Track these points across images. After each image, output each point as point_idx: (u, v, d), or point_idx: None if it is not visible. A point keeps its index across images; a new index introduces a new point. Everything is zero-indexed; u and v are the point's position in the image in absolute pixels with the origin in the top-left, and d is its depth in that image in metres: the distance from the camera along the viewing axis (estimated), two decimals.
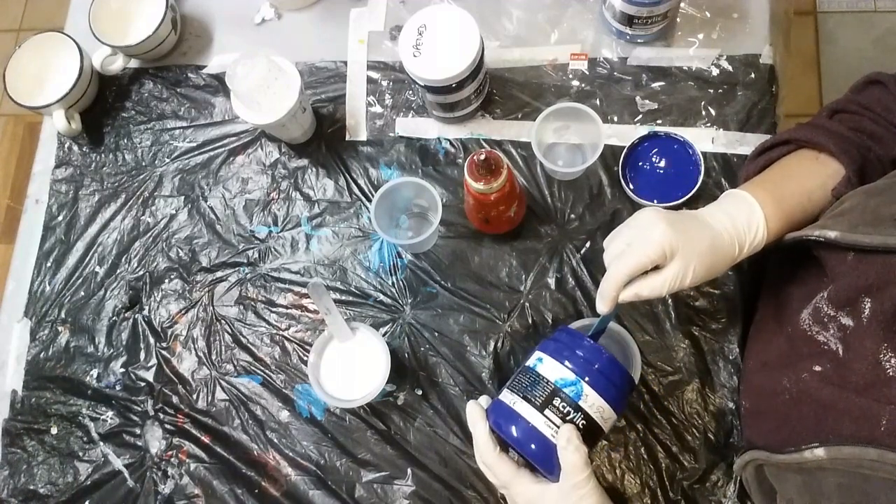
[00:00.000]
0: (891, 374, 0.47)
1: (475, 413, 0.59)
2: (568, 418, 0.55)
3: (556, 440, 0.54)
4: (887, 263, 0.48)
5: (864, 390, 0.49)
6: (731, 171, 0.77)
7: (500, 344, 0.76)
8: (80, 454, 0.81)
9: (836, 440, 0.49)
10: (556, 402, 0.55)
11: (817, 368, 0.54)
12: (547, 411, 0.55)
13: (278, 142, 0.88)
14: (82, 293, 0.87)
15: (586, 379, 0.56)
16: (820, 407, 0.53)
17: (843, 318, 0.52)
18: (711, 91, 0.80)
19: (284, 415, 0.78)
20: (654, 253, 0.54)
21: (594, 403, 0.56)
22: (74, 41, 0.89)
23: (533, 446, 0.55)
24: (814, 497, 0.51)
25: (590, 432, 0.56)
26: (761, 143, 0.69)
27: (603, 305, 0.58)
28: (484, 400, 0.61)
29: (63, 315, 0.87)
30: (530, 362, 0.59)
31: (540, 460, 0.55)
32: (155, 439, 0.80)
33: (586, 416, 0.55)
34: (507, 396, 0.58)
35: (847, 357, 0.51)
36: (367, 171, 0.85)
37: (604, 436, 0.58)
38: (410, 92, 0.86)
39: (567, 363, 0.57)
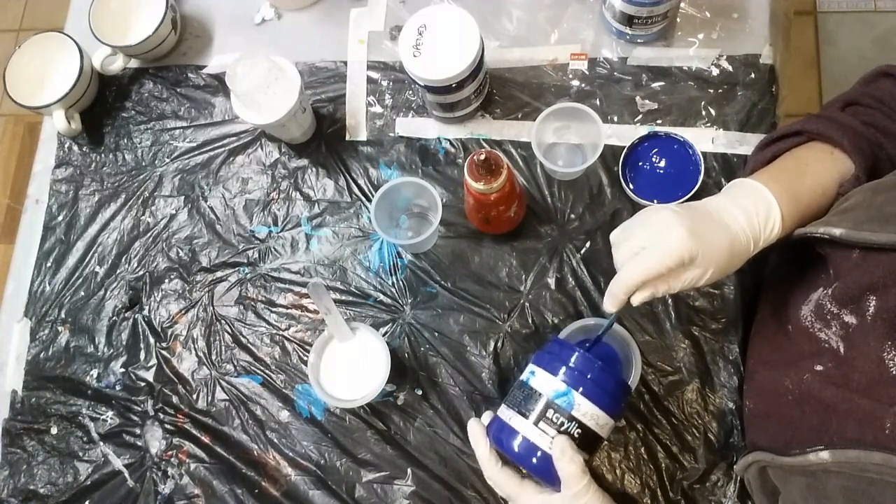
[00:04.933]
0: (894, 373, 0.47)
1: (476, 431, 0.60)
2: (563, 429, 0.55)
3: (552, 451, 0.55)
4: (894, 261, 0.48)
5: (867, 390, 0.49)
6: (731, 172, 0.77)
7: (500, 344, 0.76)
8: (80, 454, 0.81)
9: (840, 443, 0.49)
10: (550, 413, 0.56)
11: (818, 368, 0.54)
12: (542, 424, 0.56)
13: (278, 142, 0.88)
14: (82, 293, 0.87)
15: (580, 389, 0.56)
16: (823, 408, 0.53)
17: (847, 316, 0.52)
18: (711, 91, 0.80)
19: (284, 415, 0.78)
20: (671, 262, 0.53)
21: (587, 412, 0.56)
22: (74, 41, 0.89)
23: (533, 460, 0.55)
24: (818, 500, 0.51)
25: (587, 440, 0.56)
26: (770, 133, 0.67)
27: (611, 305, 0.58)
28: (486, 417, 0.61)
29: (63, 315, 0.87)
30: (524, 376, 0.60)
31: (541, 473, 0.55)
32: (155, 439, 0.80)
33: (581, 425, 0.55)
34: (504, 412, 0.59)
35: (849, 356, 0.51)
36: (367, 171, 0.85)
37: (603, 441, 0.58)
38: (410, 92, 0.86)
39: (558, 374, 0.57)
